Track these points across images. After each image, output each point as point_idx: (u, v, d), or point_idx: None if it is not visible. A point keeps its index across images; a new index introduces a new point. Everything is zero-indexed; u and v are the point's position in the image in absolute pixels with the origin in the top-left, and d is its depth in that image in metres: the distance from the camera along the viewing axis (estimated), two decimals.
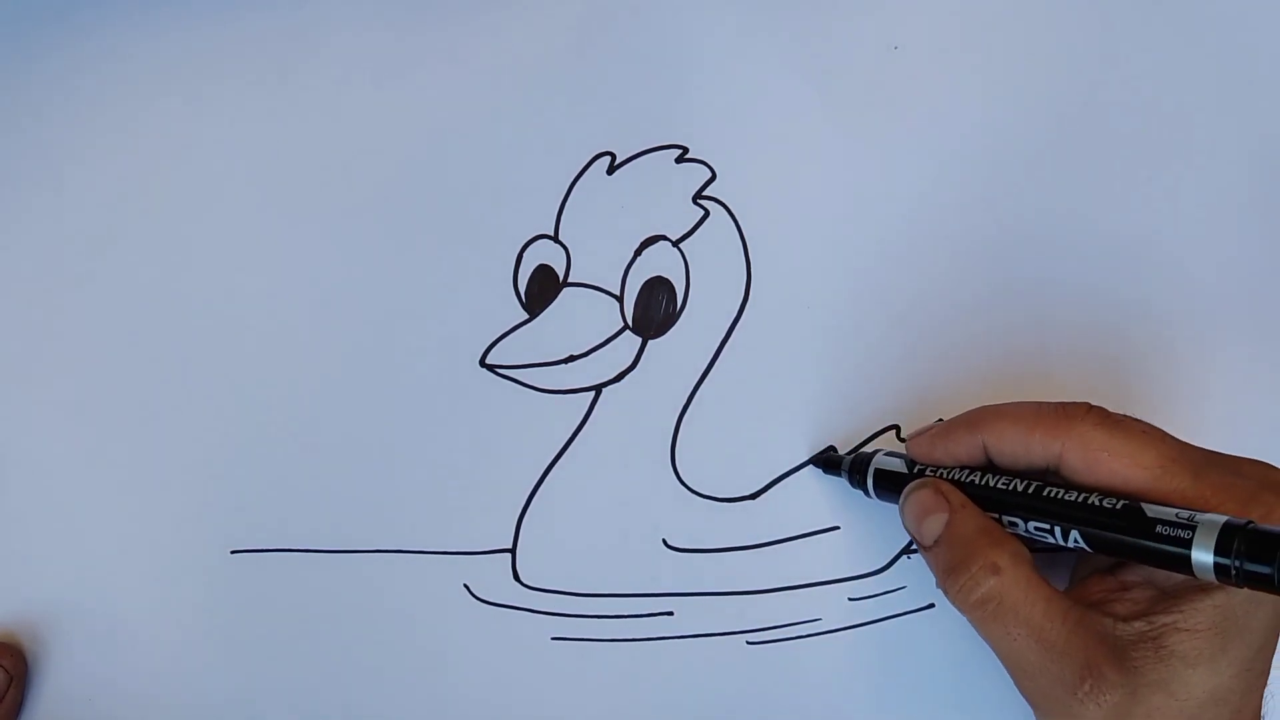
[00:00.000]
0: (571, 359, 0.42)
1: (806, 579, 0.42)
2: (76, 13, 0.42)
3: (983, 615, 0.34)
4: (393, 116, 0.42)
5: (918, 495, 0.36)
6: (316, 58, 0.42)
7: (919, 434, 0.38)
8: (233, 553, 0.42)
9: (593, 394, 0.42)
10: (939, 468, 0.37)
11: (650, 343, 0.42)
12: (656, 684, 0.41)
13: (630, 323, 0.42)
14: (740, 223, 0.42)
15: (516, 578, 0.41)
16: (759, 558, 0.42)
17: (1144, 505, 0.32)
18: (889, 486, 0.38)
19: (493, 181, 0.42)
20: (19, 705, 0.41)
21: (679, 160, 0.42)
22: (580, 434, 0.42)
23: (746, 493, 0.42)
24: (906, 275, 0.42)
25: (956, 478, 0.36)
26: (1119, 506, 0.32)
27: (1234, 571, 0.29)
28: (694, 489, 0.42)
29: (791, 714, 0.41)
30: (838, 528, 0.42)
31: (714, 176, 0.42)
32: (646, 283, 0.42)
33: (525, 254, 0.42)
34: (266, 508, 0.42)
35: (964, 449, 0.36)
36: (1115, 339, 0.42)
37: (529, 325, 0.42)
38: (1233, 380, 0.42)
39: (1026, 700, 0.34)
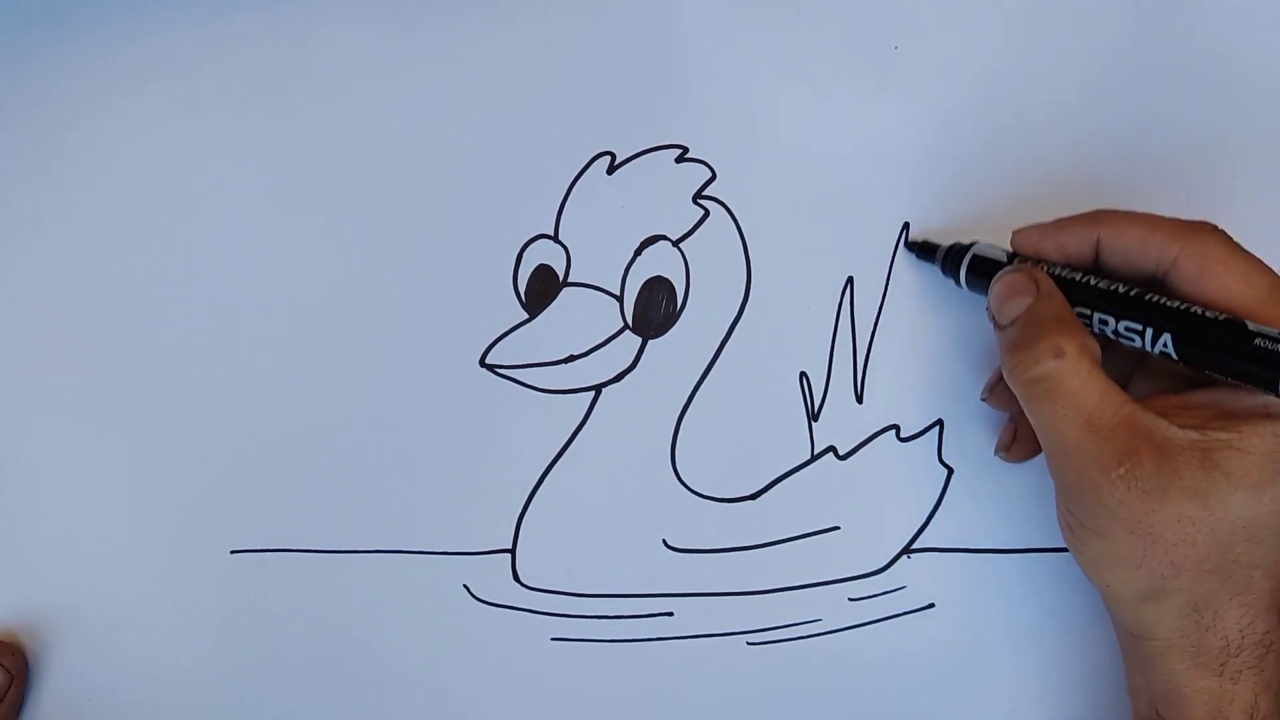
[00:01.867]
0: (571, 359, 0.42)
1: (806, 579, 0.42)
2: (75, 11, 0.42)
3: (1034, 392, 0.34)
4: (393, 116, 0.42)
5: (1010, 277, 0.36)
6: (317, 58, 0.42)
7: (1028, 228, 0.37)
8: (233, 553, 0.42)
9: (593, 394, 0.42)
10: (1040, 262, 0.37)
11: (650, 343, 0.42)
12: (656, 684, 0.41)
13: (630, 323, 0.42)
14: (740, 223, 0.42)
15: (516, 578, 0.41)
16: (759, 558, 0.42)
17: (1246, 320, 0.32)
18: (982, 275, 0.38)
19: (493, 181, 0.42)
20: (19, 705, 0.41)
21: (679, 160, 0.42)
22: (580, 434, 0.42)
23: (746, 493, 0.42)
24: (906, 275, 0.42)
25: (1056, 273, 0.36)
26: (1221, 318, 0.32)
27: None
28: (694, 489, 0.42)
29: (791, 714, 0.41)
30: (838, 528, 0.42)
31: (714, 176, 0.42)
32: (646, 283, 0.42)
33: (525, 254, 0.42)
34: (266, 508, 0.42)
35: (1075, 243, 0.36)
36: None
37: (529, 325, 0.42)
38: None
39: (1054, 478, 0.34)
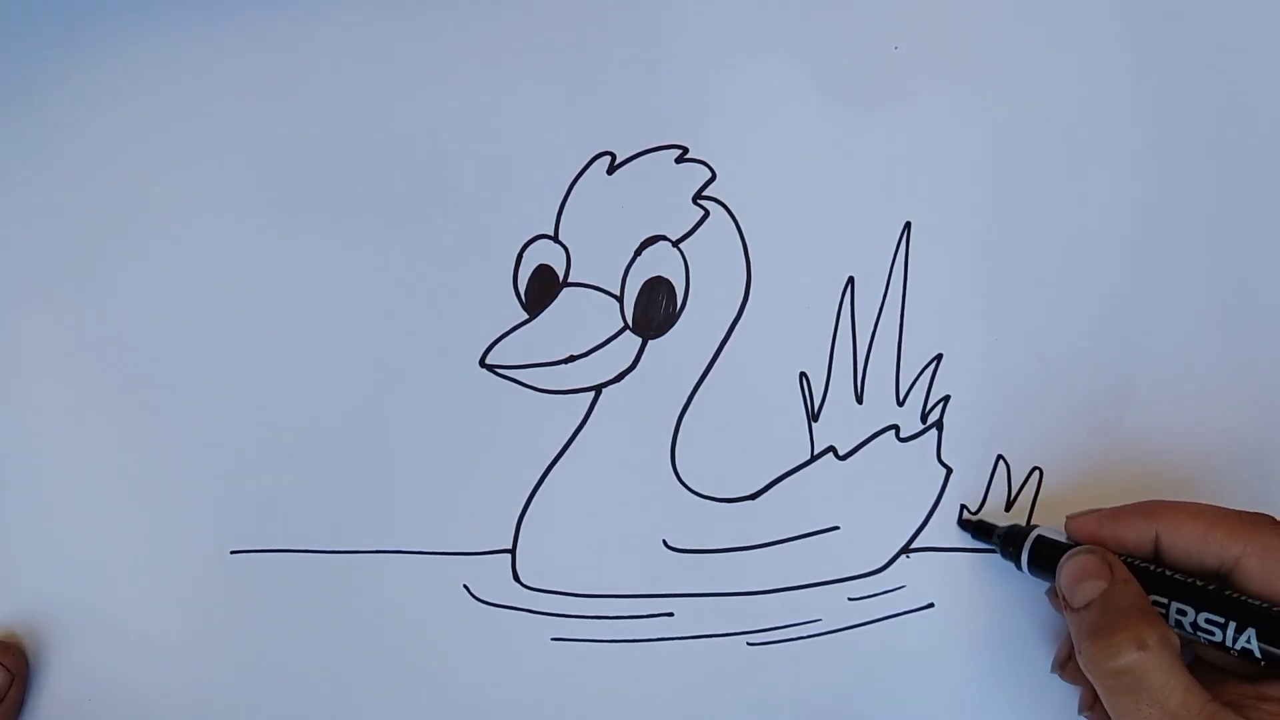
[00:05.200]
0: (571, 359, 0.42)
1: (806, 579, 0.42)
2: (75, 11, 0.42)
3: (1116, 685, 0.33)
4: (392, 117, 0.42)
5: (1081, 558, 0.36)
6: (316, 58, 0.42)
7: (1083, 514, 0.38)
8: (233, 553, 0.42)
9: (593, 394, 0.42)
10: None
11: (650, 343, 0.42)
12: (656, 685, 0.41)
13: (630, 323, 0.42)
14: (740, 223, 0.42)
15: (516, 578, 0.41)
16: (759, 558, 0.42)
17: None
18: (1045, 556, 0.38)
19: (493, 181, 0.42)
20: (20, 705, 0.41)
21: (679, 160, 0.42)
22: (580, 434, 0.42)
23: (746, 493, 0.42)
24: (906, 275, 0.42)
25: (1124, 559, 0.36)
26: None
27: None
28: (694, 489, 0.42)
29: (791, 714, 0.42)
30: (837, 528, 0.42)
31: (714, 176, 0.42)
32: (646, 283, 0.42)
33: (525, 254, 0.42)
34: (266, 508, 0.42)
35: (1134, 536, 0.36)
36: (1115, 337, 0.42)
37: (529, 325, 0.42)
38: (1231, 377, 0.42)
39: None
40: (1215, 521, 0.35)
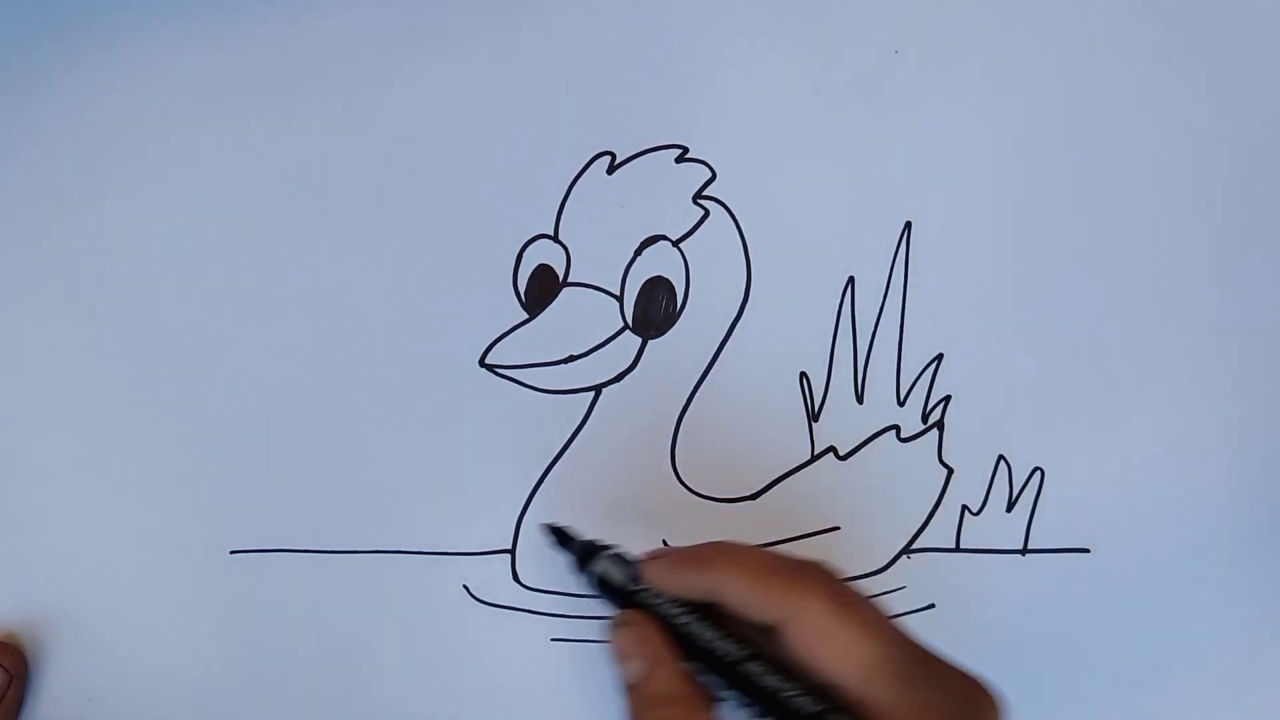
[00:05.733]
0: (571, 359, 0.42)
1: None
2: (76, 15, 0.42)
3: None
4: (392, 117, 0.42)
5: (621, 634, 0.34)
6: (316, 57, 0.42)
7: (656, 555, 0.36)
8: (233, 553, 0.42)
9: (593, 394, 0.42)
10: (663, 596, 0.35)
11: (650, 343, 0.42)
12: None
13: (630, 323, 0.42)
14: (740, 223, 0.42)
15: (516, 578, 0.41)
16: None
17: (839, 712, 0.30)
18: (609, 595, 0.36)
19: (493, 181, 0.42)
20: (19, 705, 0.41)
21: (679, 160, 0.42)
22: (580, 434, 0.42)
23: (746, 493, 0.42)
24: (906, 275, 0.42)
25: (675, 615, 0.34)
26: (814, 710, 0.31)
27: None
28: (694, 489, 0.42)
29: None
30: (838, 528, 0.42)
31: (714, 176, 0.42)
32: (646, 283, 0.42)
33: (525, 254, 0.42)
34: (266, 508, 0.42)
35: (697, 585, 0.34)
36: (1115, 336, 0.42)
37: (529, 325, 0.42)
38: (1232, 377, 0.42)
39: None
40: (764, 579, 0.32)
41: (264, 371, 0.42)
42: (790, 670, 0.32)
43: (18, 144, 0.42)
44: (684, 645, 0.34)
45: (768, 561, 0.33)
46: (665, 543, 0.42)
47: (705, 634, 0.33)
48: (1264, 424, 0.42)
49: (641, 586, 0.35)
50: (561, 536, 0.39)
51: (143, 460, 0.42)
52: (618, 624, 0.35)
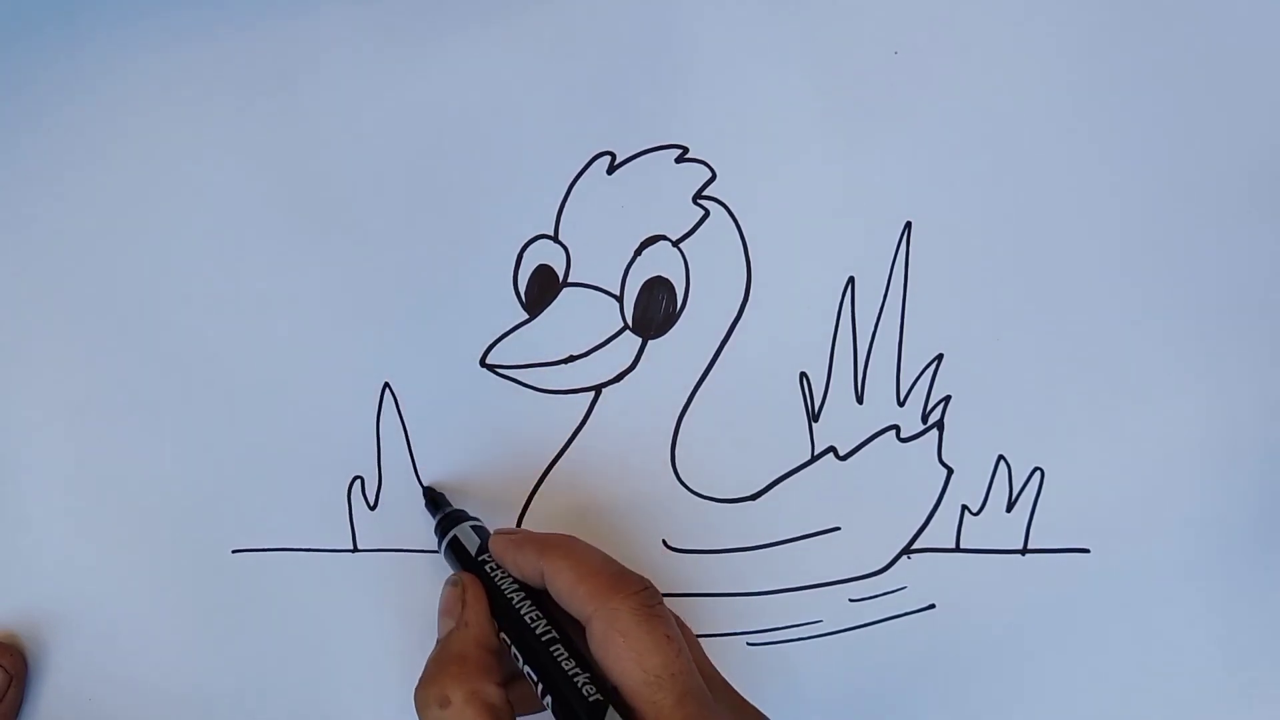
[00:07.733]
0: (571, 359, 0.42)
1: (807, 580, 0.42)
2: (77, 16, 0.42)
3: None
4: (392, 117, 0.42)
5: (447, 592, 0.36)
6: (315, 57, 0.42)
7: (507, 533, 0.38)
8: (233, 553, 0.42)
9: (593, 394, 0.42)
10: (500, 571, 0.36)
11: (650, 343, 0.42)
12: None
13: (630, 323, 0.42)
14: (740, 223, 0.42)
15: None
16: (759, 558, 0.42)
17: (613, 707, 0.32)
18: (457, 558, 0.38)
19: (493, 181, 0.42)
20: (19, 705, 0.41)
21: (679, 160, 0.42)
22: (580, 434, 0.42)
23: (746, 493, 0.42)
24: (906, 275, 0.42)
25: (506, 590, 0.36)
26: (592, 699, 0.32)
27: None
28: (694, 489, 0.42)
29: (792, 715, 0.41)
30: (838, 528, 0.42)
31: (714, 176, 0.42)
32: (646, 283, 0.42)
33: (525, 254, 0.42)
34: (266, 508, 0.42)
35: (530, 568, 0.35)
36: (1114, 336, 0.42)
37: (529, 325, 0.42)
38: (1232, 377, 0.42)
39: None
40: (585, 576, 0.34)
41: (265, 371, 0.42)
42: (588, 665, 0.33)
43: (13, 143, 0.42)
44: (505, 620, 0.35)
45: (596, 563, 0.34)
46: (665, 542, 0.42)
47: (525, 611, 0.35)
48: (1263, 424, 0.42)
49: (484, 559, 0.37)
50: (433, 500, 0.41)
51: (143, 460, 0.42)
52: (449, 582, 0.37)
